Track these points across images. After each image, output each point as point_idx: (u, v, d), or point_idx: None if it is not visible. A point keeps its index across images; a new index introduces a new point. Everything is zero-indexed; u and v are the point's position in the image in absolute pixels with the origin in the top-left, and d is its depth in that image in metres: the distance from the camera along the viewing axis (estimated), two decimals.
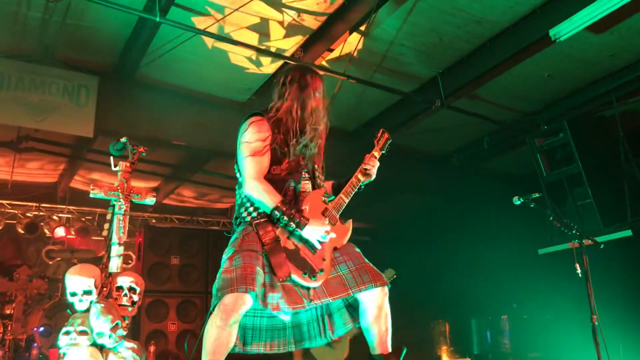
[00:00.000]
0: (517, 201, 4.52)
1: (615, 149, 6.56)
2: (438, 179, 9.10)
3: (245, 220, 3.10)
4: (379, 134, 3.55)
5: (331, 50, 5.98)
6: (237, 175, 3.23)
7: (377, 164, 3.37)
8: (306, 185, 3.22)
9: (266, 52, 5.70)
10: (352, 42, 5.88)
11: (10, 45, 5.92)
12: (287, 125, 3.16)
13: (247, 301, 2.79)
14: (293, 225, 2.97)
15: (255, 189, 3.01)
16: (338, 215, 3.19)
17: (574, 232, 4.51)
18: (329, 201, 3.27)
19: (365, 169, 3.32)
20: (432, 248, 9.32)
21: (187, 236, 8.54)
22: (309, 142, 3.19)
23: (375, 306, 3.06)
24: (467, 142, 8.43)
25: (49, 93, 6.11)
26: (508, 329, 7.81)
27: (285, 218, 2.96)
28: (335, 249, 3.16)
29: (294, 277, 2.91)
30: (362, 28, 5.63)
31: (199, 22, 5.45)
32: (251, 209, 3.10)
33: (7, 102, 5.94)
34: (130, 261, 8.44)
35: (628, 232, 6.04)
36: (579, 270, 4.35)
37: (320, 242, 3.06)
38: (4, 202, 9.04)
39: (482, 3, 5.33)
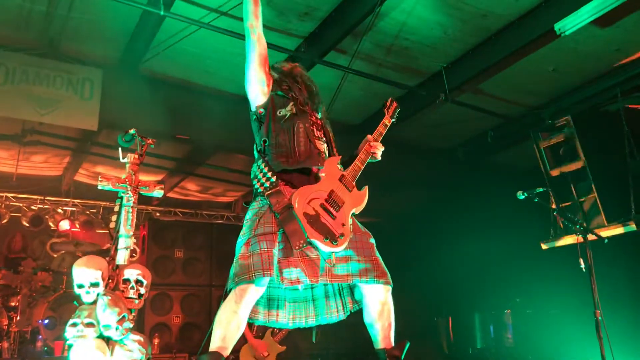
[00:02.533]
0: (521, 196, 4.52)
1: (619, 143, 6.55)
2: (442, 173, 9.10)
3: (259, 191, 3.09)
4: (388, 103, 3.59)
5: (335, 44, 5.96)
6: (255, 151, 3.29)
7: (381, 147, 3.38)
8: (321, 145, 3.25)
9: (272, 46, 5.67)
10: (356, 36, 5.88)
11: (14, 38, 5.93)
12: (289, 81, 3.37)
13: (261, 287, 2.85)
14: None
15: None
16: (354, 182, 3.18)
17: (578, 226, 4.51)
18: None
19: (372, 153, 3.34)
20: (437, 242, 9.32)
21: (191, 230, 8.57)
22: (316, 104, 3.35)
23: (379, 302, 3.08)
24: (471, 136, 8.42)
25: (53, 86, 6.12)
26: (511, 323, 7.83)
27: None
28: (352, 230, 3.13)
29: (316, 242, 2.88)
30: (367, 22, 5.61)
31: (203, 15, 5.44)
32: (264, 179, 3.07)
33: (12, 95, 5.95)
34: (134, 254, 8.46)
35: (632, 227, 6.05)
36: (582, 265, 4.36)
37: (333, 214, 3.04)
38: (9, 195, 9.07)
39: None
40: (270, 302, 3.15)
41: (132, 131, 3.58)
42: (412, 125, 7.79)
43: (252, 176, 3.21)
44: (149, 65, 6.41)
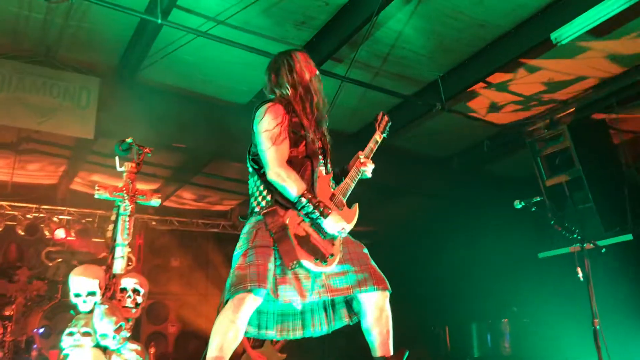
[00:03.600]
0: (518, 205, 4.53)
1: (615, 153, 6.58)
2: (439, 182, 9.10)
3: (255, 210, 3.12)
4: (379, 117, 3.57)
5: (332, 53, 5.97)
6: (250, 165, 3.26)
7: (372, 165, 3.37)
8: (322, 169, 3.25)
9: (268, 55, 5.68)
10: (353, 45, 5.89)
11: (11, 46, 5.92)
12: (298, 109, 3.22)
13: (259, 298, 2.85)
14: (317, 213, 2.99)
15: (279, 175, 3.01)
16: (345, 200, 3.20)
17: (575, 236, 4.51)
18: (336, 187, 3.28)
19: (363, 170, 3.33)
20: (434, 251, 9.31)
21: (187, 238, 8.56)
22: (321, 116, 3.29)
23: (377, 308, 3.09)
24: (467, 145, 8.44)
25: (50, 94, 6.11)
26: (508, 332, 7.81)
27: (311, 206, 2.98)
28: (343, 243, 3.17)
29: (305, 263, 2.92)
30: (364, 30, 5.63)
31: (201, 24, 5.44)
32: (260, 198, 3.12)
33: (8, 103, 5.93)
34: (130, 263, 8.41)
35: (629, 237, 6.06)
36: (580, 274, 4.36)
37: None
38: (4, 203, 9.01)
39: (484, 6, 5.34)
40: (260, 314, 3.16)
41: (129, 140, 3.58)
42: (407, 134, 7.81)
43: (249, 192, 3.24)
44: (146, 73, 6.40)
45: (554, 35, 5.41)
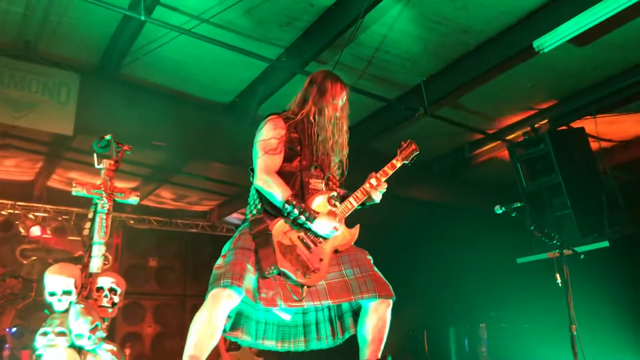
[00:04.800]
0: (498, 210, 4.54)
1: (594, 160, 6.65)
2: (418, 187, 9.12)
3: (246, 218, 3.16)
4: (405, 144, 3.50)
5: (316, 55, 5.96)
6: (251, 176, 3.25)
7: (384, 188, 3.32)
8: (316, 183, 3.22)
9: (252, 55, 5.66)
10: (337, 48, 5.88)
11: None
12: (304, 127, 3.21)
13: (233, 296, 2.81)
14: (303, 218, 2.98)
15: (265, 182, 3.04)
16: (343, 220, 3.16)
17: (554, 242, 4.54)
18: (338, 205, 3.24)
19: (375, 183, 3.27)
20: (411, 255, 9.34)
21: (166, 238, 8.48)
22: (325, 148, 3.22)
23: (377, 316, 3.08)
24: (448, 150, 8.46)
25: (28, 89, 6.01)
26: (486, 337, 7.85)
27: (296, 211, 2.98)
28: (342, 252, 3.17)
29: (286, 272, 2.91)
30: (349, 33, 5.62)
31: (184, 22, 5.40)
32: (252, 207, 3.16)
33: None
34: (107, 262, 8.31)
35: (605, 243, 6.13)
36: (559, 280, 4.39)
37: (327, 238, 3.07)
38: None
39: (468, 12, 5.36)
40: (258, 324, 3.14)
41: (107, 137, 3.53)
42: (389, 138, 7.81)
43: (248, 201, 3.25)
44: (128, 70, 6.33)
45: (536, 43, 5.44)
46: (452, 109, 7.10)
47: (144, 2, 4.86)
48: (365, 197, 3.26)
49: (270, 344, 3.14)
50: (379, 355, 3.09)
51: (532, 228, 4.68)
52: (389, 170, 3.34)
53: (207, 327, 2.80)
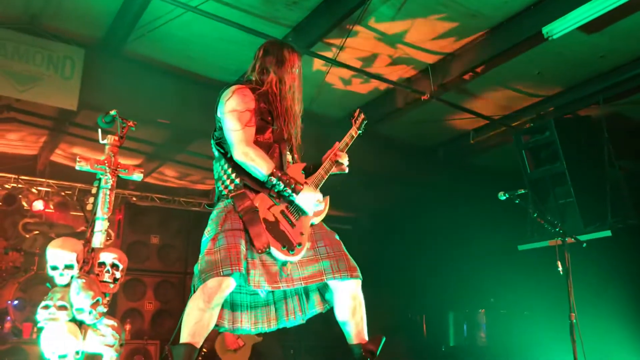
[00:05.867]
0: (502, 196, 4.54)
1: (599, 150, 6.62)
2: (422, 171, 9.12)
3: (223, 194, 3.07)
4: (356, 114, 3.59)
5: (322, 36, 5.91)
6: (215, 149, 3.20)
7: (346, 156, 3.37)
8: (289, 156, 3.22)
9: (258, 33, 5.61)
10: (343, 29, 5.84)
11: None
12: (269, 98, 3.15)
13: (231, 284, 2.78)
14: (289, 190, 2.95)
15: (247, 155, 2.94)
16: (317, 190, 3.16)
17: (557, 229, 4.54)
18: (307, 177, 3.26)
19: (339, 162, 3.33)
20: (413, 239, 9.35)
21: (168, 216, 8.49)
22: (288, 118, 3.19)
23: (350, 296, 3.07)
24: (453, 135, 8.44)
25: (33, 63, 5.98)
26: (485, 322, 7.88)
27: (282, 184, 2.95)
28: (314, 230, 3.15)
29: (273, 250, 2.87)
30: (355, 15, 5.58)
31: None
32: (228, 181, 3.06)
33: None
34: (109, 238, 8.34)
35: (607, 233, 6.12)
36: (560, 268, 4.39)
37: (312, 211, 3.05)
38: None
39: None
40: (233, 306, 3.09)
41: (112, 112, 3.50)
42: (394, 121, 7.79)
43: (215, 177, 3.17)
44: (133, 47, 6.30)
45: (545, 30, 5.40)
46: (458, 94, 7.07)
47: None
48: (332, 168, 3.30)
49: (246, 327, 3.07)
50: (366, 336, 3.10)
51: (534, 215, 4.67)
52: (349, 141, 3.45)
53: (203, 317, 2.75)
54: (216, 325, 2.94)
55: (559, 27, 5.35)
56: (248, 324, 3.09)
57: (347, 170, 3.39)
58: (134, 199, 9.49)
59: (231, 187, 3.03)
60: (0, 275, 6.97)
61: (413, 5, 5.47)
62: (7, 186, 8.95)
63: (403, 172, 9.14)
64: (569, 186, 6.37)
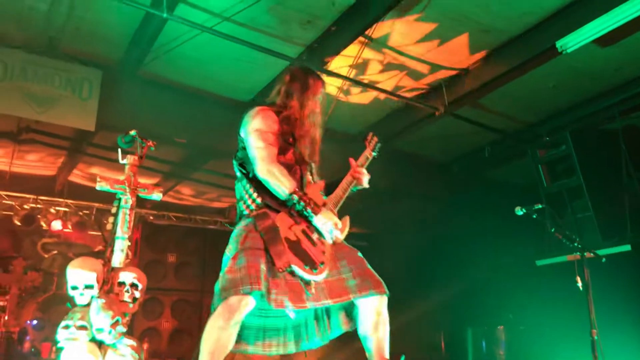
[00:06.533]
0: (519, 212, 4.50)
1: (617, 162, 6.55)
2: (438, 187, 9.10)
3: (244, 213, 3.09)
4: (369, 137, 3.60)
5: (337, 54, 5.96)
6: (237, 170, 3.23)
7: (367, 174, 3.39)
8: (308, 176, 3.26)
9: (273, 53, 5.66)
10: (357, 46, 5.88)
11: (14, 35, 5.88)
12: (291, 121, 3.20)
13: (250, 302, 2.78)
14: (309, 210, 2.97)
15: (271, 172, 2.98)
16: (336, 210, 3.18)
17: (575, 244, 4.49)
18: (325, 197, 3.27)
19: (357, 177, 3.34)
20: (430, 255, 9.30)
21: (185, 234, 8.53)
22: (308, 141, 3.23)
23: (375, 313, 3.05)
24: (468, 150, 8.42)
25: (51, 85, 6.08)
26: (504, 339, 7.78)
27: (302, 203, 2.96)
28: (337, 249, 3.14)
29: (295, 268, 2.87)
30: (369, 33, 5.62)
31: (206, 20, 5.42)
32: (249, 201, 3.08)
33: (10, 92, 5.90)
34: (127, 257, 8.37)
35: (627, 247, 6.03)
36: (579, 283, 4.34)
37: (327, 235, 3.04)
38: (2, 193, 8.98)
39: (490, 11, 5.33)
40: (251, 330, 3.09)
41: (132, 132, 3.55)
42: (409, 137, 7.79)
43: (237, 197, 3.20)
44: (149, 67, 6.38)
45: (559, 43, 5.39)
46: (472, 109, 7.06)
47: None
48: (351, 187, 3.32)
49: (249, 348, 3.06)
50: (387, 354, 3.07)
51: (552, 230, 4.62)
52: (364, 162, 3.45)
53: (222, 336, 2.76)
54: (235, 350, 2.94)
55: (573, 41, 5.34)
56: (260, 347, 3.09)
57: (367, 186, 3.40)
58: (151, 217, 9.56)
59: (252, 206, 3.06)
60: (20, 295, 7.02)
61: (426, 22, 5.50)
62: (26, 206, 9.07)
63: (418, 188, 9.12)
64: (587, 200, 6.31)
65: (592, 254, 4.53)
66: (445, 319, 8.96)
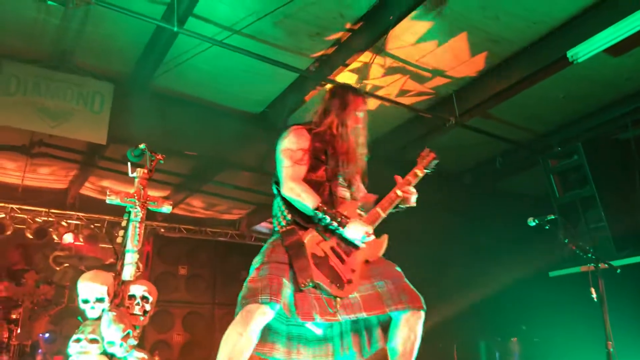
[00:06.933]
0: (532, 222, 4.48)
1: (629, 172, 6.50)
2: (450, 197, 9.04)
3: (275, 229, 3.17)
4: (424, 153, 3.52)
5: (346, 65, 5.97)
6: (274, 188, 3.27)
7: (415, 192, 3.33)
8: (344, 192, 3.25)
9: (282, 65, 5.68)
10: (367, 58, 5.89)
11: (27, 50, 5.94)
12: (326, 139, 3.25)
13: (267, 312, 2.81)
14: (335, 224, 2.98)
15: (293, 190, 3.04)
16: (372, 229, 3.13)
17: (589, 255, 4.45)
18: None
19: (400, 193, 3.26)
20: (443, 266, 9.22)
21: (196, 246, 8.51)
22: (348, 158, 3.24)
23: (408, 328, 3.01)
24: (479, 161, 8.39)
25: (64, 99, 6.12)
26: (518, 351, 7.70)
27: (328, 218, 2.98)
28: (372, 265, 3.12)
29: (320, 282, 2.89)
30: (379, 44, 5.62)
31: (216, 33, 5.45)
32: (281, 218, 3.15)
33: (23, 106, 5.94)
34: (138, 270, 8.38)
35: None
36: (594, 295, 4.29)
37: (360, 244, 3.04)
38: (14, 206, 9.03)
39: (500, 22, 5.33)
40: (290, 340, 3.10)
41: (141, 146, 3.56)
42: (419, 148, 7.74)
43: (272, 214, 3.27)
44: (160, 81, 6.41)
45: (570, 53, 5.39)
46: (483, 120, 7.03)
47: (177, 13, 4.93)
48: (394, 206, 3.25)
49: (301, 359, 3.07)
50: None
51: (565, 241, 4.59)
52: (412, 180, 3.35)
53: (239, 341, 2.78)
54: (268, 356, 2.99)
55: (584, 50, 5.33)
56: (304, 357, 3.08)
57: (414, 204, 3.36)
58: (162, 230, 9.58)
59: (283, 222, 3.13)
60: (32, 308, 7.04)
61: (435, 32, 5.51)
62: (38, 219, 9.11)
63: (429, 198, 9.06)
64: (600, 210, 6.25)
65: (606, 265, 4.48)
66: (458, 331, 8.86)
